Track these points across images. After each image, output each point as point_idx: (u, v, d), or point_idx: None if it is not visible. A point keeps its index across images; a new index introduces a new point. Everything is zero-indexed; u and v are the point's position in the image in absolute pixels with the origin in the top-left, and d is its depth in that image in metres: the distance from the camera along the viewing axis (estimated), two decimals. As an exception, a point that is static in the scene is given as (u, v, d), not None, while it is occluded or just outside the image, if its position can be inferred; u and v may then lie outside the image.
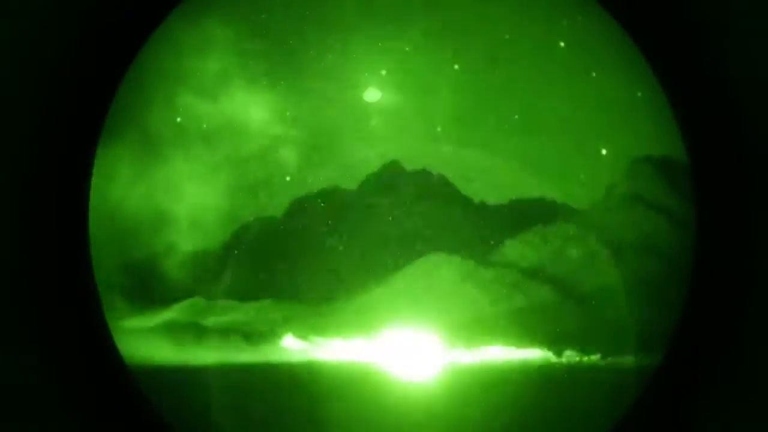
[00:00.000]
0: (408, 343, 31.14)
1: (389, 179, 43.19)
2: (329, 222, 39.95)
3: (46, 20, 11.15)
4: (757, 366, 10.21)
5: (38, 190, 11.66)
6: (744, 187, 10.64)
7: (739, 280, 10.72)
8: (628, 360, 26.57)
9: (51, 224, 11.97)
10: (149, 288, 33.72)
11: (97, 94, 12.42)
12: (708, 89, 10.71)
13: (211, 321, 33.40)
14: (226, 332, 32.50)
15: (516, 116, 33.37)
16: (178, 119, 31.32)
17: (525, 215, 40.21)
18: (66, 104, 11.80)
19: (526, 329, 32.63)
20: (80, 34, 11.74)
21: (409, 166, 43.46)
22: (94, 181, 12.69)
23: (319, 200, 41.67)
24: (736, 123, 10.36)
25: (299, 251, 38.53)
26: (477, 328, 32.84)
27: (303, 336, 33.38)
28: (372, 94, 32.88)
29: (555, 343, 31.33)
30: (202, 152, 32.90)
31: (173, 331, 31.17)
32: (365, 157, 38.14)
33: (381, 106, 33.51)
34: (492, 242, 38.61)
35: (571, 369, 28.77)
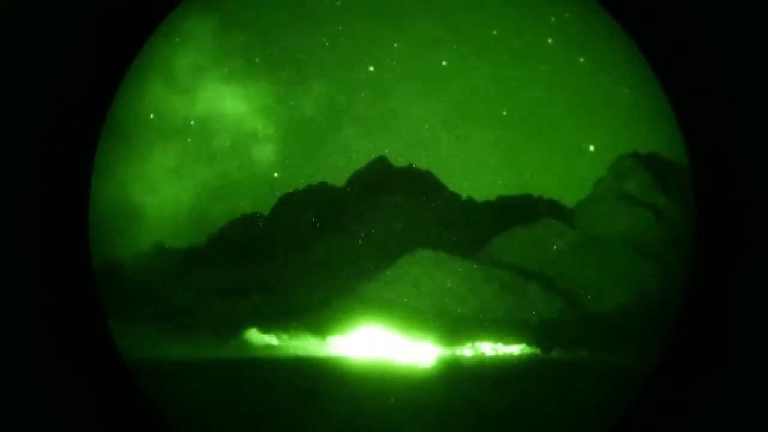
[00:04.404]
0: (394, 340, 31.12)
1: (376, 176, 43.11)
2: (316, 219, 39.81)
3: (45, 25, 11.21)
4: (755, 365, 10.27)
5: (38, 190, 11.67)
6: (742, 184, 10.68)
7: (737, 278, 10.77)
8: (619, 357, 26.67)
9: (51, 223, 11.98)
10: (137, 284, 33.46)
11: (96, 93, 12.47)
12: (707, 89, 10.74)
13: (197, 317, 33.20)
14: (211, 327, 32.32)
15: (504, 113, 33.39)
16: (166, 117, 31.08)
17: (512, 211, 40.30)
18: (64, 105, 11.83)
19: (513, 326, 32.69)
20: (79, 35, 11.78)
21: (396, 163, 43.47)
22: (94, 179, 12.72)
23: (306, 197, 41.52)
24: (736, 122, 10.39)
25: (286, 248, 38.35)
26: (464, 325, 32.86)
27: (289, 333, 33.27)
28: (359, 91, 32.72)
29: (542, 339, 31.41)
30: (190, 148, 32.66)
31: (160, 325, 30.95)
32: (353, 153, 37.97)
33: (368, 102, 33.41)
34: (479, 239, 38.64)
35: (559, 365, 28.82)
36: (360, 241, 37.49)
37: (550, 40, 28.57)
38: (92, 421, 12.29)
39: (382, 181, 41.07)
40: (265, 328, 32.18)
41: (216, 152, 34.26)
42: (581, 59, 29.24)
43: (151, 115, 30.64)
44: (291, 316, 32.62)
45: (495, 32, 31.09)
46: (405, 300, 33.36)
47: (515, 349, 30.38)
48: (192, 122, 32.84)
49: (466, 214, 40.63)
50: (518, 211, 39.51)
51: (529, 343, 30.41)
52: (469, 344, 30.82)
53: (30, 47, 11.55)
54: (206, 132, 33.56)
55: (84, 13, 11.97)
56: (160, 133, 31.86)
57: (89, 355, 12.75)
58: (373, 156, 42.09)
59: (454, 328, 31.46)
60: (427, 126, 33.70)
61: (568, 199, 38.16)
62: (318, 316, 32.37)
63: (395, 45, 31.97)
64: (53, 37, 11.62)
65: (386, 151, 40.40)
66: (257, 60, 33.16)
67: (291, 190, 40.19)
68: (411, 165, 42.28)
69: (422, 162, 41.43)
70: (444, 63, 32.66)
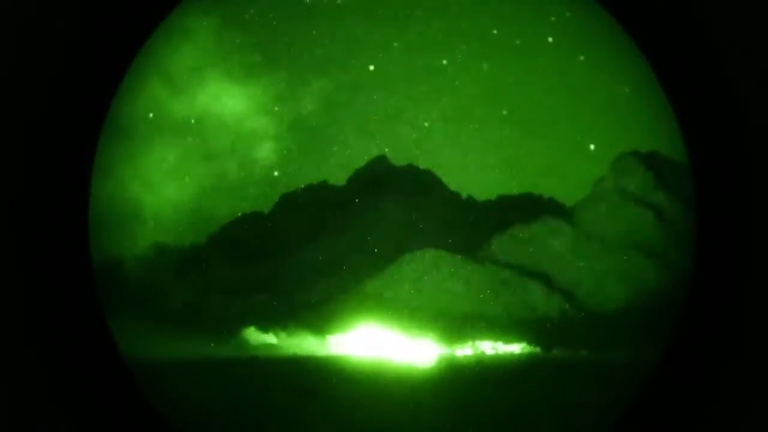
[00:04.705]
0: (394, 339, 31.11)
1: (377, 175, 43.08)
2: (316, 217, 39.79)
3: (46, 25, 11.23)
4: (756, 365, 10.28)
5: (38, 190, 11.68)
6: (742, 184, 10.69)
7: (737, 280, 10.78)
8: (619, 356, 26.64)
9: (52, 221, 11.99)
10: (137, 284, 33.45)
11: (96, 92, 12.50)
12: (707, 88, 10.75)
13: (197, 316, 33.18)
14: (211, 327, 32.31)
15: (504, 112, 33.39)
16: (165, 116, 31.11)
17: (513, 211, 40.28)
18: (64, 104, 11.86)
19: (513, 324, 32.69)
20: (79, 35, 11.79)
21: (396, 162, 43.42)
22: (93, 179, 12.76)
23: (306, 196, 41.50)
24: (735, 121, 10.41)
25: (286, 247, 38.33)
26: (464, 324, 32.85)
27: (288, 332, 33.26)
28: (359, 91, 32.73)
29: (543, 338, 31.41)
30: (190, 148, 32.66)
31: (160, 325, 30.92)
32: (353, 152, 37.94)
33: (368, 102, 33.41)
34: (480, 238, 38.62)
35: (560, 364, 28.79)
36: (360, 240, 37.46)
37: (550, 39, 28.52)
38: (92, 421, 12.29)
39: (383, 180, 41.04)
40: (265, 328, 32.18)
41: (216, 152, 34.22)
42: (581, 58, 29.19)
43: (151, 115, 30.60)
44: (291, 315, 32.61)
45: (495, 31, 31.07)
46: (405, 299, 33.36)
47: (515, 348, 30.39)
48: (192, 122, 32.81)
49: (467, 213, 40.60)
50: (518, 210, 39.47)
51: (529, 342, 30.40)
52: (469, 343, 30.82)
53: (30, 47, 11.55)
54: (206, 131, 33.53)
55: (84, 13, 11.97)
56: (160, 133, 31.84)
57: (89, 355, 12.75)
58: (373, 155, 42.06)
59: (454, 327, 31.45)
60: (427, 125, 33.71)
61: (569, 197, 38.14)
62: (318, 315, 32.36)
63: (395, 45, 31.94)
64: (53, 37, 11.62)
65: (386, 150, 40.35)
66: (257, 60, 33.10)
67: (291, 190, 40.13)
68: (411, 164, 42.25)
69: (422, 161, 41.33)
70: (444, 62, 32.63)
